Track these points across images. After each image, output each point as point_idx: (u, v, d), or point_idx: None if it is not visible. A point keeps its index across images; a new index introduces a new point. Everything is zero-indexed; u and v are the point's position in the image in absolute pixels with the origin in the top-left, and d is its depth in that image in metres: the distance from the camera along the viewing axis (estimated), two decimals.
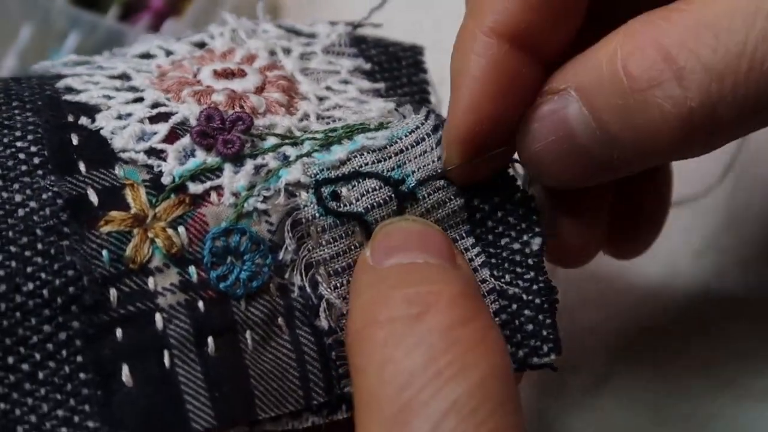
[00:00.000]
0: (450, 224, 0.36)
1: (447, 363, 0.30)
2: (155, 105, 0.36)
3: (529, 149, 0.35)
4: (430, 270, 0.33)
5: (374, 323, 0.31)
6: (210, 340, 0.33)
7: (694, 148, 0.33)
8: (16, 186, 0.33)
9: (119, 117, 0.35)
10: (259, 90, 0.38)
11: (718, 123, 0.31)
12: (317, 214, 0.34)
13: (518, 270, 0.37)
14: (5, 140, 0.34)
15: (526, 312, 0.36)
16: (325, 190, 0.34)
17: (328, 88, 0.39)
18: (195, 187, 0.34)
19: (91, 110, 0.35)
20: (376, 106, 0.39)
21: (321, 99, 0.39)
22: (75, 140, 0.34)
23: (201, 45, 0.41)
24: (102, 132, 0.35)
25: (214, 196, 0.34)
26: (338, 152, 0.35)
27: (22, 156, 0.34)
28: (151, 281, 0.33)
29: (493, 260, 0.37)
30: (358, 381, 0.31)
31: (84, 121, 0.35)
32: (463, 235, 0.37)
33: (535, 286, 0.36)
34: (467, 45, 0.34)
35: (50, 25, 0.58)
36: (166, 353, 0.32)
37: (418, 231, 0.34)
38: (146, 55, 0.40)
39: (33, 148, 0.34)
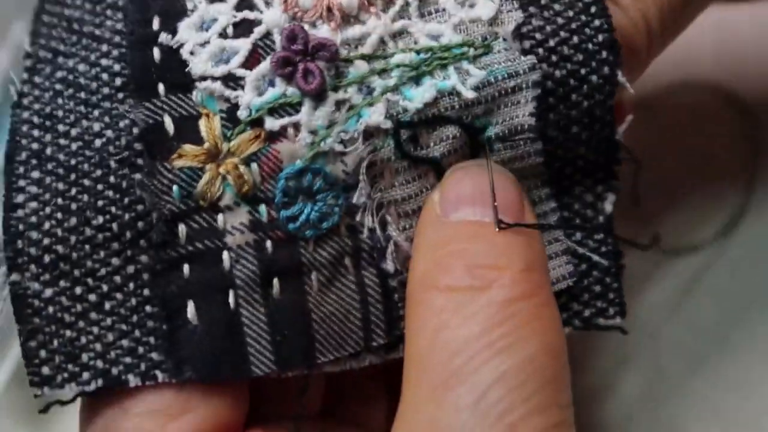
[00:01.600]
0: (526, 176, 0.35)
1: (500, 335, 0.30)
2: (241, 3, 0.34)
3: None
4: (496, 239, 0.32)
5: (434, 288, 0.31)
6: (276, 281, 0.33)
7: None
8: (96, 113, 0.34)
9: (201, 26, 0.34)
10: None
11: None
12: (393, 157, 0.33)
13: (588, 228, 0.36)
14: (92, 57, 0.34)
15: (595, 273, 0.36)
16: (405, 134, 0.33)
17: None
18: (272, 123, 0.33)
19: (176, 15, 0.34)
20: (486, 15, 0.34)
21: None
22: (157, 56, 0.33)
23: None
24: (182, 50, 0.33)
25: (291, 132, 0.33)
26: (427, 90, 0.33)
27: (105, 77, 0.34)
28: (220, 219, 0.32)
29: (566, 213, 0.36)
30: (412, 341, 0.31)
31: (164, 38, 0.33)
32: (539, 185, 0.35)
33: (603, 248, 0.36)
34: None
35: None
36: (231, 293, 0.32)
37: (489, 180, 0.33)
38: None
39: (116, 67, 0.34)
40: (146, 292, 0.33)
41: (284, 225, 0.33)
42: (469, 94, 0.33)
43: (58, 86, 0.35)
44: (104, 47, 0.35)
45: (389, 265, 0.33)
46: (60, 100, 0.34)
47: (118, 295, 0.33)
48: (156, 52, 0.34)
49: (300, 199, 0.33)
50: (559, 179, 0.36)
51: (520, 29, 0.34)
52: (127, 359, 0.32)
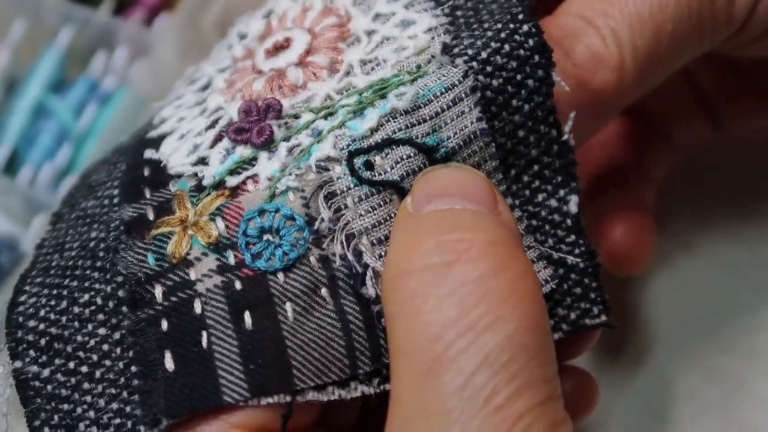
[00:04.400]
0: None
1: (479, 316, 0.29)
2: (213, 112, 0.38)
3: None
4: (466, 216, 0.32)
5: (406, 272, 0.30)
6: (247, 314, 0.33)
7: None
8: (95, 225, 0.37)
9: (181, 137, 0.37)
10: (304, 56, 0.37)
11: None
12: (352, 185, 0.34)
13: (559, 233, 0.36)
14: (98, 194, 0.38)
15: (573, 276, 0.36)
16: (358, 161, 0.34)
17: (376, 16, 0.38)
18: (232, 180, 0.35)
19: (162, 139, 0.38)
20: (422, 27, 0.37)
21: (370, 33, 0.37)
22: (146, 173, 0.37)
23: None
24: (163, 157, 0.37)
25: (250, 184, 0.35)
26: (370, 118, 0.34)
27: (106, 201, 0.37)
28: (192, 271, 0.34)
29: (534, 222, 0.36)
30: (391, 331, 0.31)
31: (150, 154, 0.37)
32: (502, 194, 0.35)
33: (577, 250, 0.36)
34: None
35: (42, 21, 0.58)
36: (204, 334, 0.33)
37: (460, 176, 0.33)
38: (231, 45, 0.41)
39: (114, 192, 0.37)
40: (131, 353, 0.34)
41: (251, 263, 0.34)
42: (401, 104, 0.34)
43: (71, 223, 0.38)
44: (108, 184, 0.38)
45: (370, 291, 0.33)
46: (71, 231, 0.38)
47: (107, 362, 0.34)
48: (146, 170, 0.37)
49: (264, 238, 0.34)
50: (520, 189, 0.36)
51: (451, 49, 0.35)
52: (117, 420, 0.34)
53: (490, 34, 0.35)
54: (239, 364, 0.33)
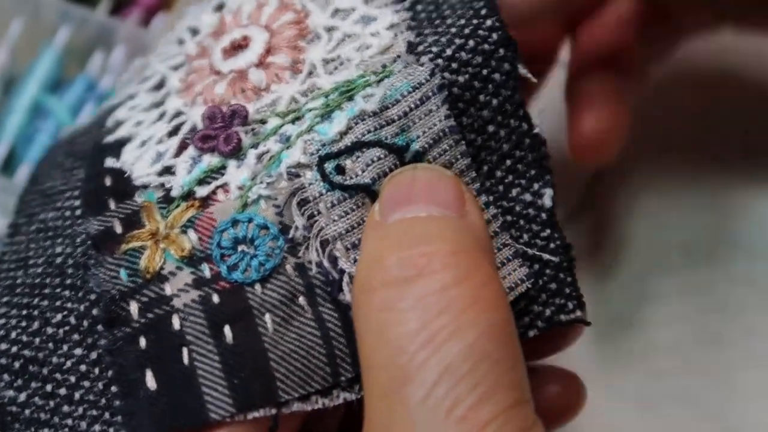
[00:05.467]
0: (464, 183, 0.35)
1: (440, 326, 0.29)
2: (174, 116, 0.37)
3: None
4: (430, 225, 0.31)
5: (370, 289, 0.30)
6: (227, 328, 0.33)
7: None
8: (59, 239, 0.36)
9: (142, 144, 0.36)
10: (264, 56, 0.37)
11: None
12: (324, 191, 0.33)
13: (534, 228, 0.36)
14: (58, 204, 0.37)
15: (548, 271, 0.35)
16: (329, 166, 0.33)
17: (335, 12, 0.37)
18: (201, 191, 0.34)
19: (121, 145, 0.37)
20: (383, 24, 0.36)
21: (330, 30, 0.37)
22: (108, 182, 0.36)
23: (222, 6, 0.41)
24: (125, 166, 0.36)
25: (221, 194, 0.34)
26: (338, 122, 0.34)
27: (67, 213, 0.36)
28: (167, 286, 0.33)
29: (509, 217, 0.35)
30: (359, 348, 0.31)
31: (111, 162, 0.36)
32: (475, 195, 0.35)
33: (552, 245, 0.36)
34: None
35: (40, 20, 0.58)
36: (185, 350, 0.33)
37: (425, 179, 0.33)
38: (182, 41, 0.40)
39: (76, 203, 0.36)
40: (110, 373, 0.33)
41: (228, 275, 0.33)
42: (369, 107, 0.34)
43: (32, 236, 0.37)
44: (67, 194, 0.37)
45: (347, 297, 0.33)
46: (33, 245, 0.37)
47: (86, 383, 0.33)
48: (107, 180, 0.36)
49: (240, 250, 0.33)
50: (494, 185, 0.36)
51: (416, 47, 0.35)
52: None
53: (453, 30, 0.35)
54: (222, 379, 0.32)
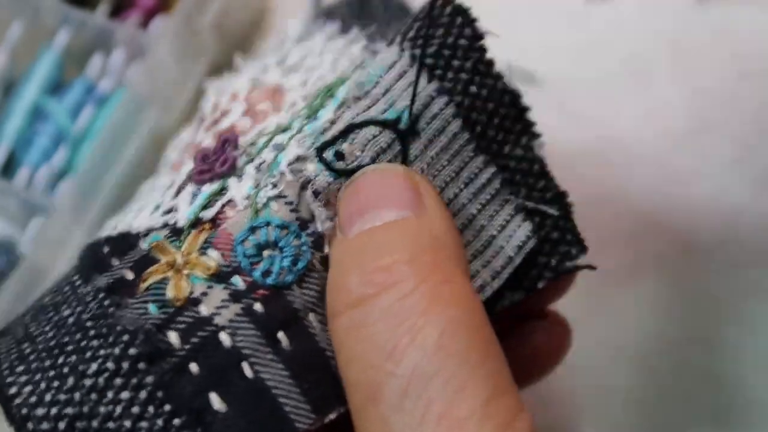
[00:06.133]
0: (455, 148, 0.35)
1: (402, 333, 0.29)
2: (167, 187, 0.37)
3: None
4: (385, 236, 0.31)
5: (337, 313, 0.31)
6: (281, 335, 0.33)
7: None
8: (63, 306, 0.35)
9: (138, 210, 0.37)
10: (246, 113, 0.37)
11: None
12: (331, 179, 0.33)
13: (530, 180, 0.36)
14: (54, 288, 0.36)
15: (548, 222, 0.36)
16: (328, 154, 0.33)
17: (307, 70, 0.39)
18: (208, 213, 0.34)
19: (115, 229, 0.37)
20: (350, 56, 0.38)
21: (304, 83, 0.38)
22: (106, 250, 0.35)
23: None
24: (124, 228, 0.36)
25: (229, 210, 0.34)
26: (325, 115, 0.35)
27: (66, 288, 0.35)
28: (202, 308, 0.33)
29: (506, 175, 0.36)
30: (339, 369, 0.31)
31: (107, 232, 0.36)
32: (471, 155, 0.35)
33: (549, 194, 0.36)
34: None
35: (40, 23, 0.58)
36: (245, 365, 0.32)
37: (376, 181, 0.33)
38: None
39: (75, 278, 0.36)
40: (167, 407, 0.32)
41: (262, 282, 0.33)
42: (351, 93, 0.34)
43: (27, 320, 0.36)
44: (63, 281, 0.36)
45: None
46: (33, 324, 0.35)
47: (143, 424, 0.32)
48: (105, 248, 0.35)
49: (266, 254, 0.33)
50: (488, 144, 0.36)
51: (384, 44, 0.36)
52: None
53: (409, 21, 0.36)
54: (294, 386, 0.32)
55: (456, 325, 0.29)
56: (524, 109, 0.36)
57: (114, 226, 0.37)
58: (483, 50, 0.36)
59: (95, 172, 0.54)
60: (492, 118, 0.36)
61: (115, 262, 0.35)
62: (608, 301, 0.51)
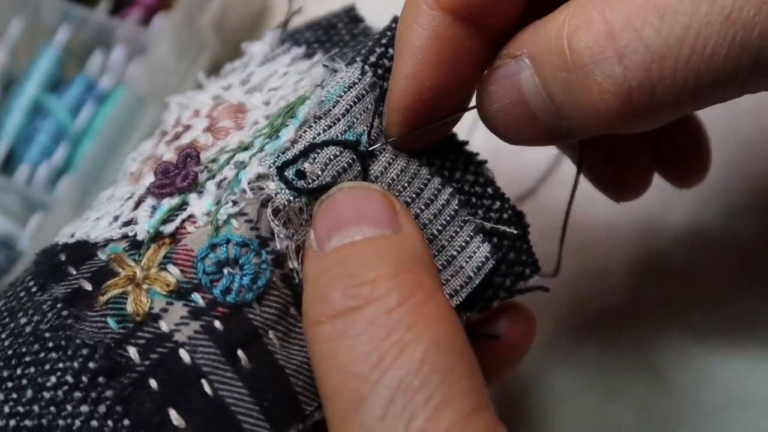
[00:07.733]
0: (413, 170, 0.36)
1: (389, 346, 0.30)
2: (126, 198, 0.37)
3: (487, 110, 0.35)
4: (367, 251, 0.32)
5: (318, 323, 0.31)
6: (240, 353, 0.33)
7: (634, 125, 0.33)
8: (20, 314, 0.34)
9: (95, 220, 0.36)
10: (207, 128, 0.37)
11: (657, 103, 0.31)
12: (291, 198, 0.34)
13: (485, 202, 0.37)
14: (9, 293, 0.36)
15: (505, 242, 0.37)
16: (289, 173, 0.34)
17: (270, 90, 0.39)
18: (168, 228, 0.34)
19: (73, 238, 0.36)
20: (312, 76, 0.38)
21: (267, 103, 0.38)
22: (63, 257, 0.35)
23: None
24: (81, 237, 0.35)
25: (189, 226, 0.34)
26: (287, 133, 0.35)
27: (22, 294, 0.35)
28: (162, 324, 0.33)
29: (463, 196, 0.37)
30: (316, 379, 0.32)
31: (64, 239, 0.36)
32: (429, 177, 0.36)
33: (505, 215, 0.37)
34: (411, 16, 0.34)
35: (40, 19, 0.58)
36: (204, 381, 0.32)
37: (354, 198, 0.34)
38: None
39: (30, 284, 0.35)
40: (126, 422, 0.32)
41: (222, 300, 0.33)
42: (311, 112, 0.35)
43: None
44: (17, 284, 0.36)
45: None
46: None
47: None
48: (62, 256, 0.35)
49: (226, 272, 0.33)
50: (438, 169, 0.37)
51: (344, 62, 0.36)
52: None
53: (370, 44, 0.37)
54: (254, 404, 0.32)
55: (440, 342, 0.30)
56: (463, 142, 0.37)
57: (71, 234, 0.37)
58: None
59: (95, 169, 0.54)
60: (443, 144, 0.37)
61: (72, 270, 0.35)
62: None
